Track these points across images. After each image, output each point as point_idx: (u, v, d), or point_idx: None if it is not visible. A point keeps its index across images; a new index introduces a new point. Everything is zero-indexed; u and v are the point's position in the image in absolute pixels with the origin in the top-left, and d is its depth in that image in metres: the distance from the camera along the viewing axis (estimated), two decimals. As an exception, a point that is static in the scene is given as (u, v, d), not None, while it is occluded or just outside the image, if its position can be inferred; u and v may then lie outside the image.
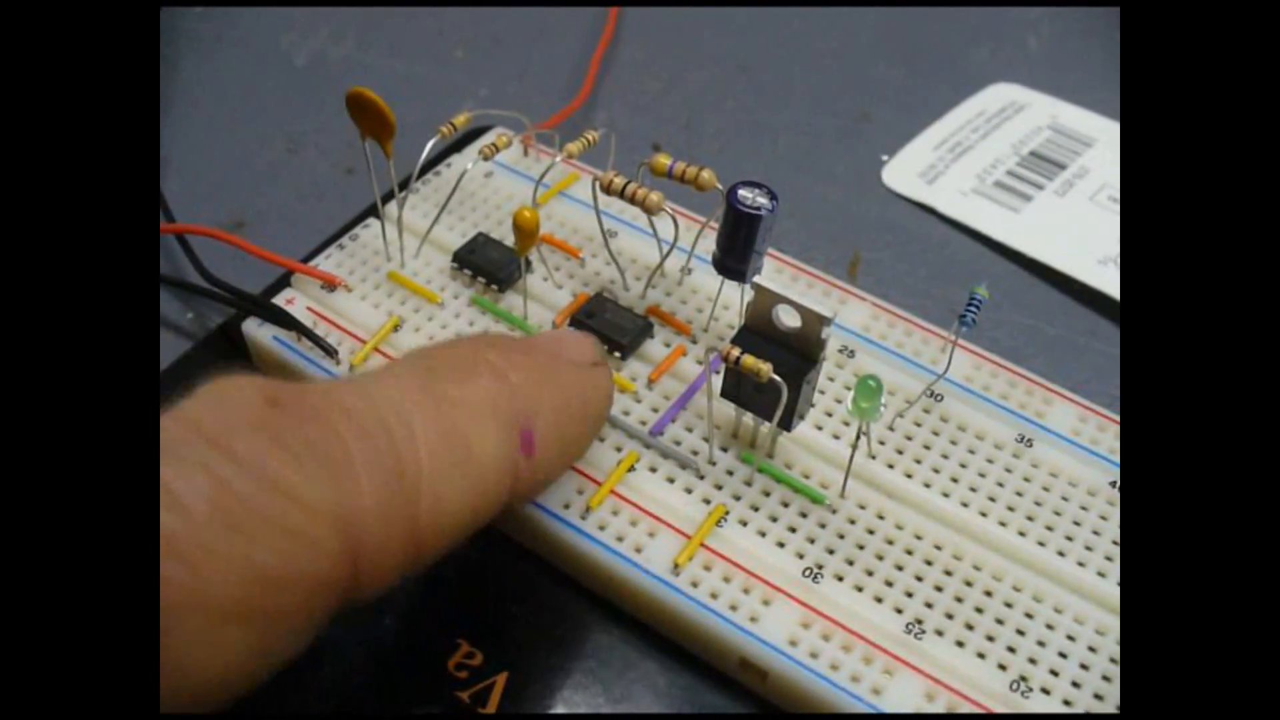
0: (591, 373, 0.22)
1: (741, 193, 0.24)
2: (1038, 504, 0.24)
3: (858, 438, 0.23)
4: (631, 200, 0.25)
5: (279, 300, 0.27)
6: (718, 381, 0.24)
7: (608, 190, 0.25)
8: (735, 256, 0.24)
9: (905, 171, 0.35)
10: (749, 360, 0.22)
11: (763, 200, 0.24)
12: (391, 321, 0.27)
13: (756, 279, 0.23)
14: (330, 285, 0.28)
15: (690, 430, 0.25)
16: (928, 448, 0.25)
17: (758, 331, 0.23)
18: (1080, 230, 0.33)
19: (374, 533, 0.17)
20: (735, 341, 0.23)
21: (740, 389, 0.23)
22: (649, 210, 0.25)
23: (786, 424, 0.23)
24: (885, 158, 0.36)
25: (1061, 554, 0.23)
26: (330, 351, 0.26)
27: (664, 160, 0.25)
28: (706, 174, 0.25)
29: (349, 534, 0.16)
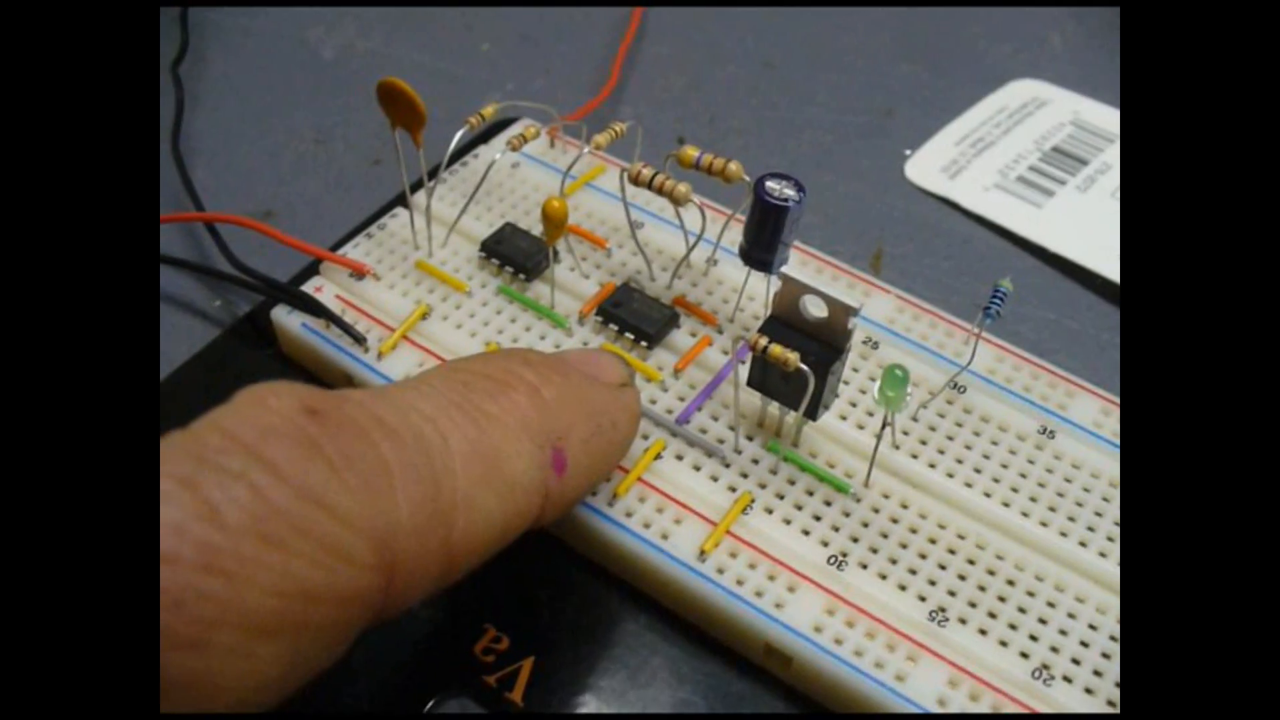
0: (621, 394, 0.22)
1: (769, 184, 0.24)
2: (1060, 495, 0.24)
3: (882, 428, 0.23)
4: (659, 191, 0.25)
5: (307, 288, 0.28)
6: (744, 371, 0.24)
7: (636, 181, 0.25)
8: (762, 247, 0.24)
9: (928, 167, 0.35)
10: (776, 349, 0.22)
11: (790, 192, 0.24)
12: (420, 310, 0.27)
13: (785, 269, 0.23)
14: (359, 274, 0.28)
15: (716, 419, 0.25)
16: (951, 439, 0.25)
17: (784, 321, 0.23)
18: (1103, 225, 0.33)
19: (409, 547, 0.17)
20: (762, 331, 0.23)
21: (766, 378, 0.24)
22: (677, 201, 0.25)
23: (812, 413, 0.23)
24: (908, 153, 0.36)
25: (1083, 544, 0.23)
26: (359, 339, 0.26)
27: (691, 152, 0.25)
28: (734, 166, 0.25)
29: (385, 548, 0.16)
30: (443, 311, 0.27)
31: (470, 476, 0.18)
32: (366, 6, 0.41)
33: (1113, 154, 0.36)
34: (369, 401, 0.18)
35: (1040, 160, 0.36)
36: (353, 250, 0.29)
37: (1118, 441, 0.25)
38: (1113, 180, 0.35)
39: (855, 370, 0.26)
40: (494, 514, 0.18)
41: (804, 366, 0.22)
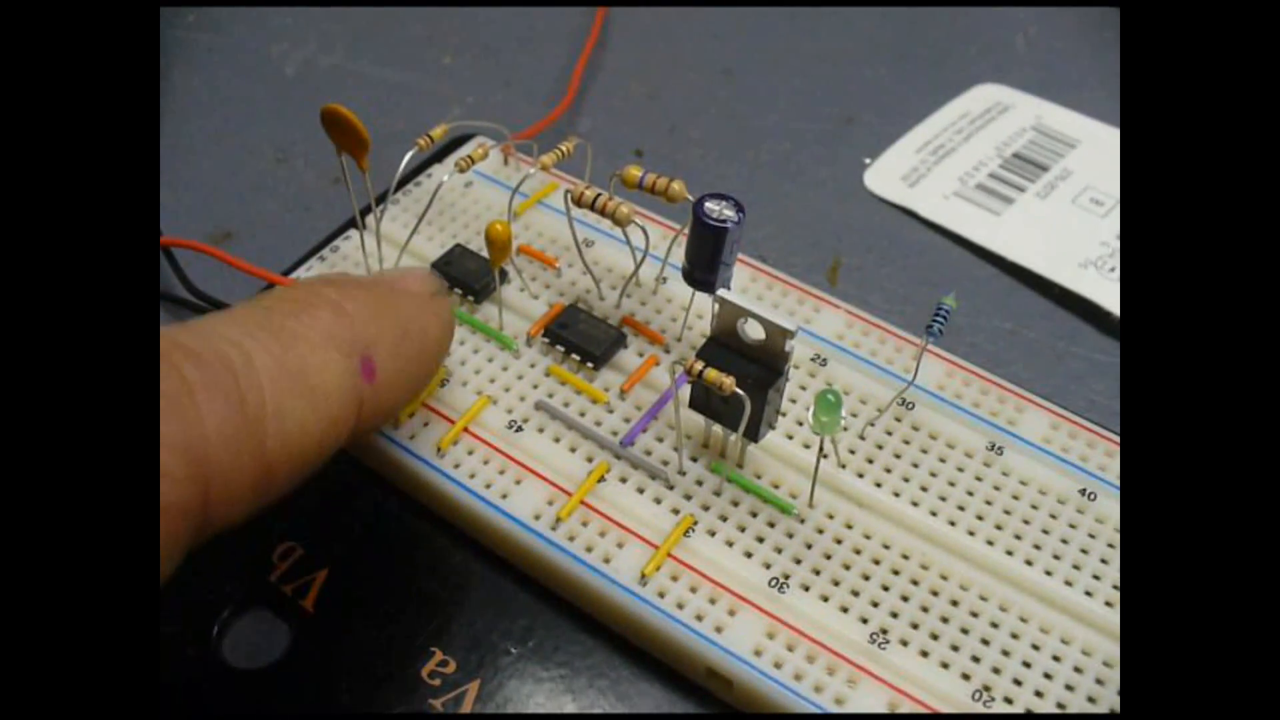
0: (431, 302, 0.23)
1: (708, 205, 0.24)
2: (1007, 512, 0.24)
3: (820, 450, 0.23)
4: (602, 212, 0.25)
5: (260, 312, 0.28)
6: (687, 392, 0.24)
7: (578, 203, 0.25)
8: (703, 268, 0.25)
9: (887, 175, 0.35)
10: (712, 374, 0.22)
11: (729, 213, 0.24)
12: (369, 333, 0.27)
13: (721, 292, 0.23)
14: (310, 297, 0.28)
15: (661, 440, 0.25)
16: (898, 456, 0.25)
17: (724, 344, 0.23)
18: (1061, 233, 0.33)
19: (220, 459, 0.17)
20: (702, 354, 0.23)
21: (709, 400, 0.24)
22: (619, 223, 0.25)
23: (753, 435, 0.23)
24: (868, 161, 0.36)
25: (1029, 562, 0.23)
26: (309, 364, 0.26)
27: (635, 172, 0.26)
28: (676, 186, 0.25)
29: (195, 461, 0.17)
30: (392, 334, 0.27)
31: (277, 388, 0.19)
32: (330, 9, 0.41)
33: (1074, 159, 0.36)
34: (171, 332, 0.18)
35: (1001, 167, 0.36)
36: (306, 273, 0.29)
37: (1066, 457, 0.25)
38: (1073, 186, 0.35)
39: (803, 388, 0.26)
40: (308, 421, 0.19)
41: (739, 391, 0.22)
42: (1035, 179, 0.35)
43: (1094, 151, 0.36)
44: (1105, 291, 0.31)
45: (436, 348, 0.23)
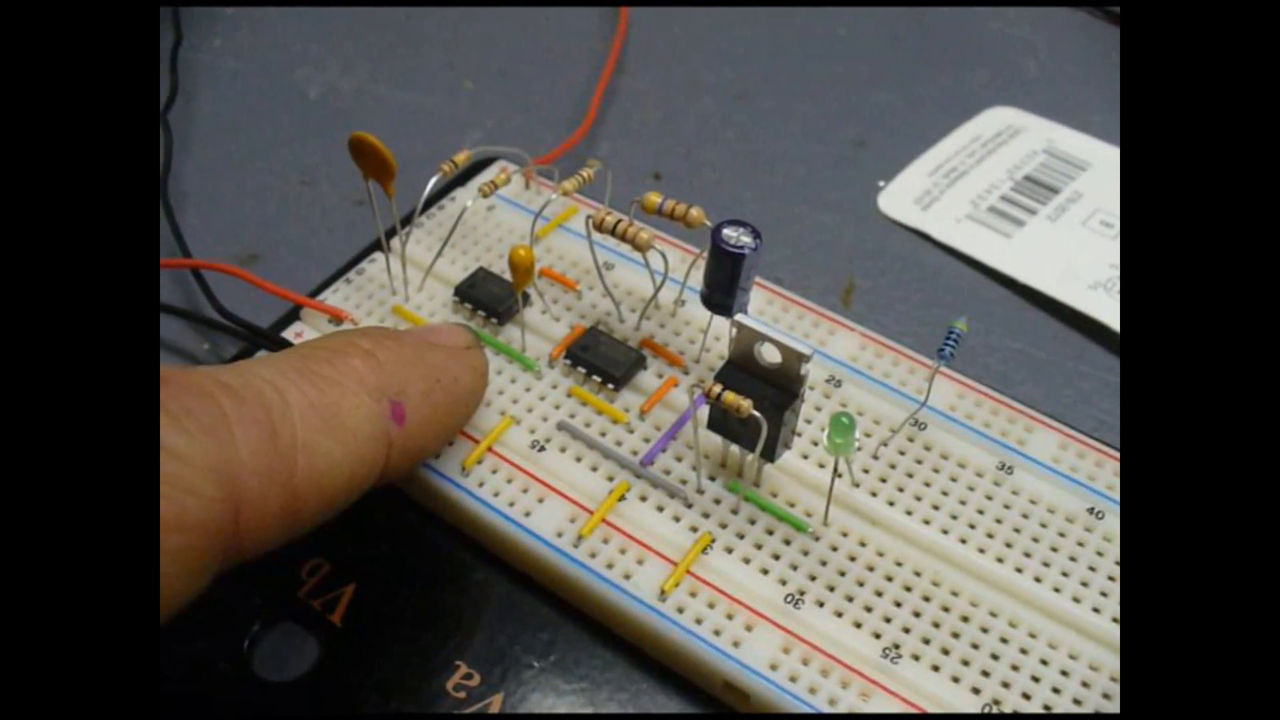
0: (463, 354, 0.25)
1: (726, 232, 0.25)
2: (1016, 530, 0.25)
3: (834, 471, 0.24)
4: (623, 238, 0.26)
5: (289, 334, 0.29)
6: (705, 413, 0.25)
7: (599, 228, 0.26)
8: (721, 292, 0.25)
9: (901, 198, 0.36)
10: (729, 397, 0.23)
11: (746, 239, 0.24)
12: (395, 355, 0.28)
13: (739, 316, 0.24)
14: (337, 319, 0.29)
15: (680, 460, 0.26)
16: (910, 476, 0.26)
17: (741, 367, 0.24)
18: (1071, 255, 0.34)
19: (252, 485, 0.19)
20: (719, 376, 0.24)
21: (726, 421, 0.24)
22: (639, 248, 0.26)
23: (769, 455, 0.24)
24: (882, 184, 0.37)
25: (1038, 579, 0.24)
26: (336, 384, 0.27)
27: (654, 198, 0.26)
28: (695, 212, 0.26)
29: (228, 484, 0.18)
30: (417, 355, 0.28)
31: (309, 426, 0.20)
32: (352, 45, 0.42)
33: (1084, 182, 0.36)
34: (214, 371, 0.20)
35: (1012, 190, 0.36)
36: (332, 296, 0.30)
37: (1074, 476, 0.26)
38: (1083, 209, 0.35)
39: (818, 409, 0.27)
40: (336, 458, 0.20)
41: (756, 413, 0.23)
42: (1046, 201, 0.36)
43: (1104, 174, 0.37)
44: (1114, 312, 0.32)
45: (469, 396, 0.25)
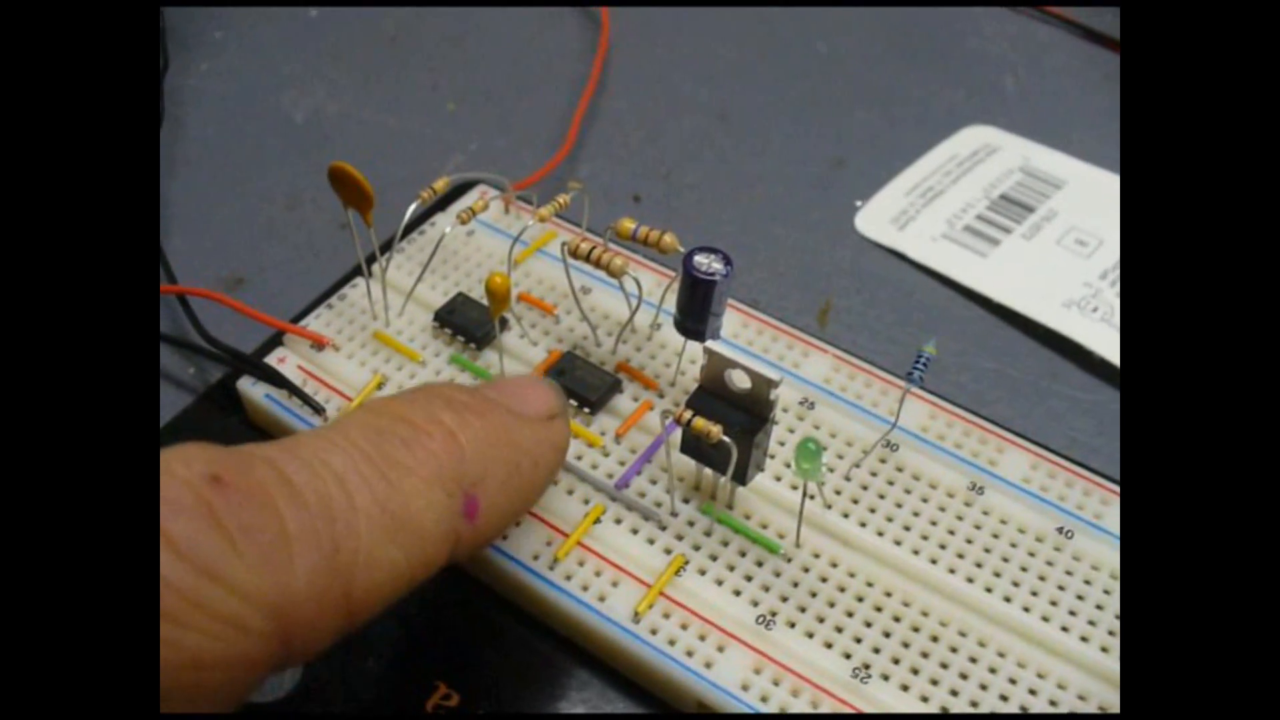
0: (548, 429, 0.22)
1: (697, 259, 0.25)
2: (986, 550, 0.25)
3: (804, 494, 0.24)
4: (597, 264, 0.26)
5: (271, 359, 0.29)
6: (679, 437, 0.25)
7: (574, 255, 0.27)
8: (694, 318, 0.26)
9: (877, 218, 0.37)
10: (700, 423, 0.23)
11: (718, 266, 0.25)
12: (375, 380, 0.28)
13: (709, 343, 0.24)
14: (319, 345, 0.29)
15: (654, 483, 0.26)
16: (882, 497, 0.26)
17: (712, 392, 0.24)
18: (1045, 274, 0.34)
19: (306, 612, 0.17)
20: (691, 402, 0.24)
21: (699, 445, 0.25)
22: (614, 274, 0.26)
23: (740, 478, 0.24)
24: (859, 204, 0.37)
25: (1007, 599, 0.24)
26: (318, 409, 0.28)
27: (628, 224, 0.27)
28: (668, 239, 0.26)
29: (281, 616, 0.17)
30: (398, 381, 0.28)
31: (374, 531, 0.18)
32: (337, 69, 0.43)
33: (1059, 200, 0.37)
34: (279, 459, 0.18)
35: (988, 209, 0.37)
36: (314, 321, 0.30)
37: (1045, 496, 0.26)
38: (1058, 227, 0.36)
39: (791, 431, 0.27)
40: (399, 566, 0.19)
41: (725, 439, 0.23)
42: (1021, 220, 0.36)
43: (1080, 192, 0.37)
44: (1087, 331, 0.32)
45: (547, 477, 0.23)
